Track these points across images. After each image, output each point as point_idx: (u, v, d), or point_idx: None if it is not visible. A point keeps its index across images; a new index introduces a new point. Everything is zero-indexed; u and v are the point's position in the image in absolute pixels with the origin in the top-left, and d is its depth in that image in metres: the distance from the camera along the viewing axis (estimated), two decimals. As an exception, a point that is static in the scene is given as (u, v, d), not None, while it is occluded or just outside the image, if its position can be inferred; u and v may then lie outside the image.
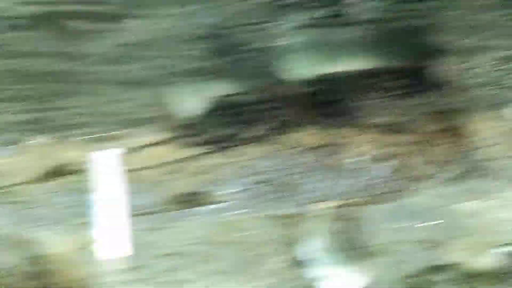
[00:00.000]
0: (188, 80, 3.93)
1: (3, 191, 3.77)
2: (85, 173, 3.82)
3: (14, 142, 3.84)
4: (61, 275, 3.71)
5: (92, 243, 3.75)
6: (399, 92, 3.91)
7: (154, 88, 3.91)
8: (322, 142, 3.92)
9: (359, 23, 3.88)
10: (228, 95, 3.96)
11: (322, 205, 3.88)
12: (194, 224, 3.84)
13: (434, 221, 3.85)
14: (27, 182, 3.80)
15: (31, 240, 3.75)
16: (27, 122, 3.82)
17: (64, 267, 3.72)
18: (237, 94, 3.96)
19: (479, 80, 3.99)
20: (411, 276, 3.81)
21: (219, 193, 3.87)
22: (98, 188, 3.79)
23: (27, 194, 3.80)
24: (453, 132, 3.96)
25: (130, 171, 3.85)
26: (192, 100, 3.92)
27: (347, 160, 3.92)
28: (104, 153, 3.83)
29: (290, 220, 3.87)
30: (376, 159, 3.92)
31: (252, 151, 3.93)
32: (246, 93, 3.96)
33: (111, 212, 3.77)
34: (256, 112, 3.96)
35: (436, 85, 3.97)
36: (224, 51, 3.99)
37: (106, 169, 3.81)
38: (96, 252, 3.74)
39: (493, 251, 3.83)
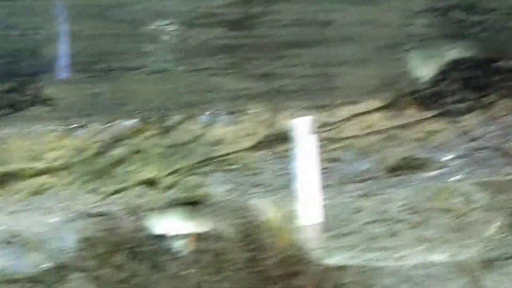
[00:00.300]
0: (419, 44, 3.63)
1: (222, 158, 3.75)
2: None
3: (234, 111, 3.72)
4: (272, 241, 3.81)
5: (300, 210, 3.78)
6: None
7: (380, 54, 3.64)
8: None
9: None
10: (459, 60, 3.66)
11: (540, 172, 3.76)
12: (408, 191, 3.81)
13: None
14: (245, 150, 3.75)
15: (245, 207, 3.80)
16: (248, 90, 3.66)
17: (275, 233, 3.81)
18: (470, 59, 3.66)
19: None
20: None
21: (435, 159, 3.76)
22: (304, 156, 3.73)
23: (244, 162, 3.76)
24: None
25: (347, 138, 3.74)
26: (422, 65, 3.65)
27: None
28: (313, 121, 3.70)
29: (507, 186, 3.79)
30: None
31: (472, 117, 3.73)
32: (478, 59, 3.66)
33: (315, 180, 3.75)
34: (484, 78, 3.68)
35: None
36: (459, 14, 3.62)
37: (313, 137, 3.71)
38: (304, 219, 3.79)
39: None
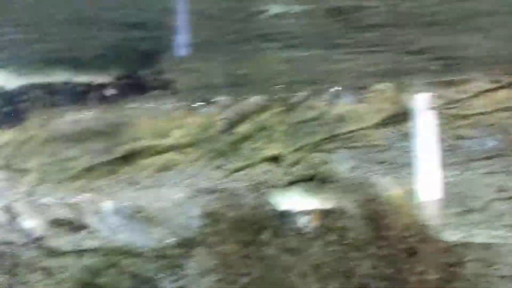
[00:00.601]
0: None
1: (346, 136, 3.75)
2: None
3: (359, 88, 3.73)
4: (395, 218, 3.79)
5: (423, 187, 3.75)
6: None
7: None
8: None
9: None
10: None
11: None
12: (537, 168, 3.74)
13: None
14: (369, 127, 3.75)
15: (368, 184, 3.79)
16: (373, 67, 3.66)
17: (398, 210, 3.79)
18: None
19: None
20: None
21: None
22: (429, 133, 3.70)
23: (368, 139, 3.76)
24: None
25: (474, 115, 3.71)
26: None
27: None
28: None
29: None
30: None
31: None
32: None
33: (438, 157, 3.72)
34: None
35: None
36: None
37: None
38: (427, 196, 3.76)
39: None
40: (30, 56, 3.91)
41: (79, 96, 3.93)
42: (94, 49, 3.89)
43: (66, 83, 3.94)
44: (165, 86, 3.87)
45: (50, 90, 3.94)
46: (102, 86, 3.94)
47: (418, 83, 3.73)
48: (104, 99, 3.93)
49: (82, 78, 3.94)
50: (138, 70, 3.90)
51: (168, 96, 3.83)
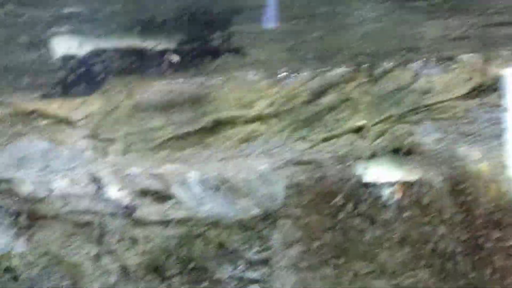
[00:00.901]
0: None
1: (431, 107, 3.72)
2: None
3: (446, 58, 3.68)
4: (481, 192, 3.75)
5: (509, 159, 3.71)
6: None
7: None
8: None
9: None
10: None
11: None
12: None
13: None
14: (455, 99, 3.71)
15: (454, 156, 3.76)
16: (460, 38, 3.61)
17: (484, 184, 3.75)
18: None
19: None
20: None
21: None
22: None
23: (455, 111, 3.72)
24: None
25: None
26: None
27: None
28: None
29: None
30: None
31: None
32: None
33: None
34: None
35: None
36: None
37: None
38: (513, 169, 3.73)
39: None
40: (100, 22, 3.92)
41: (155, 62, 3.93)
42: (167, 13, 3.88)
43: (138, 49, 3.94)
44: (251, 56, 3.86)
45: (124, 56, 3.94)
46: (178, 52, 3.94)
47: (506, 54, 3.68)
48: (183, 67, 3.93)
49: (157, 43, 3.93)
50: (224, 38, 3.89)
51: (254, 66, 3.82)
